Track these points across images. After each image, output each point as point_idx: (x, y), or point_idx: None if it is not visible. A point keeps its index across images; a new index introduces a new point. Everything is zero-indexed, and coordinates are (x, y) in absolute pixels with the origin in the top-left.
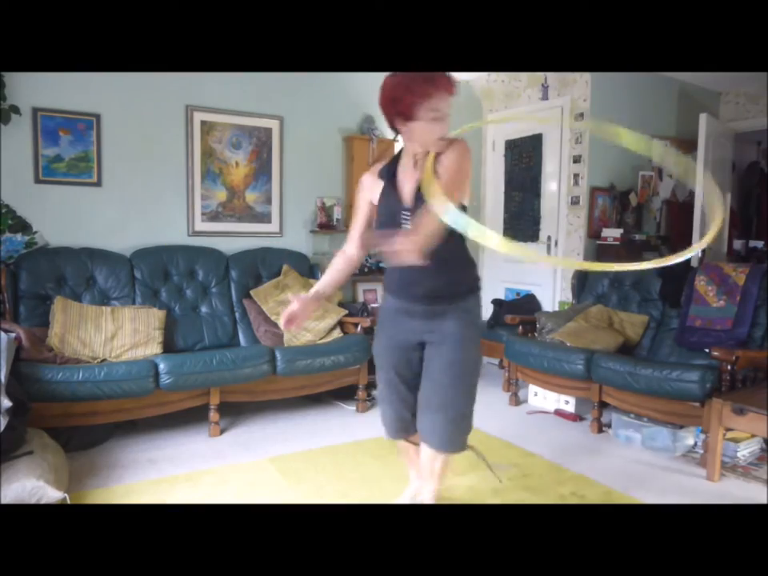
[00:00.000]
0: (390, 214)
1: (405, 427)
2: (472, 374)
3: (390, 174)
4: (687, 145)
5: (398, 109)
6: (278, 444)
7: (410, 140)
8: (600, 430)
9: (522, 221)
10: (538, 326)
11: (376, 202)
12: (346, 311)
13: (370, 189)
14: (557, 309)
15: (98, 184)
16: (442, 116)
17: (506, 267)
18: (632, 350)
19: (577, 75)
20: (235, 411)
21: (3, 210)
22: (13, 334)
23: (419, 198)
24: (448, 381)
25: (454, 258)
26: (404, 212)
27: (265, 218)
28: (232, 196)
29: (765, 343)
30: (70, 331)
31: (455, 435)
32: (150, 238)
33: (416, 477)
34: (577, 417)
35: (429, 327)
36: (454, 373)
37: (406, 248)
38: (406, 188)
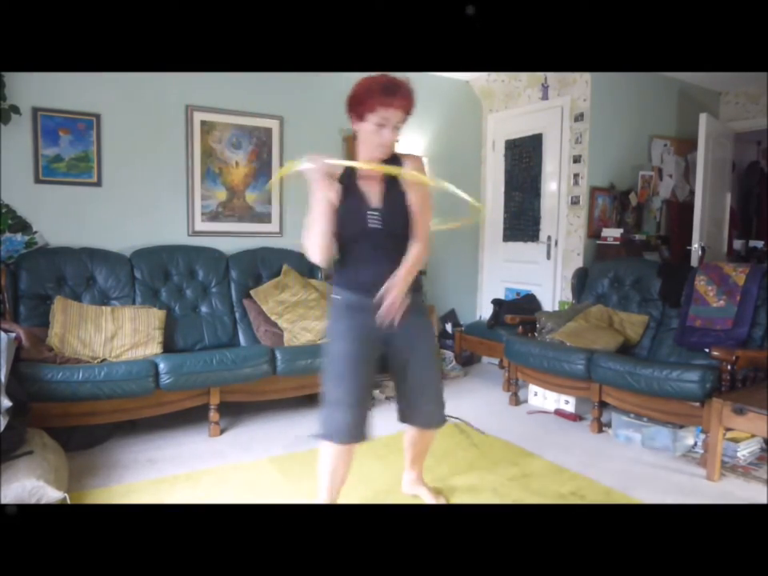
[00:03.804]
0: (356, 214)
1: (357, 431)
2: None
3: (349, 178)
4: (687, 145)
5: (353, 108)
6: (278, 444)
7: (361, 141)
8: (600, 430)
9: (521, 221)
10: (538, 325)
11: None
12: None
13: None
14: (557, 309)
15: (98, 184)
16: (387, 124)
17: (506, 267)
18: (632, 350)
19: (577, 75)
20: (235, 411)
21: (3, 210)
22: (13, 334)
23: (387, 200)
24: (434, 369)
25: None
26: (371, 212)
27: (265, 217)
28: (232, 196)
29: (765, 343)
30: (70, 331)
31: (443, 414)
32: (150, 238)
33: (327, 497)
34: (577, 417)
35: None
36: (434, 363)
37: (396, 303)
38: (372, 191)
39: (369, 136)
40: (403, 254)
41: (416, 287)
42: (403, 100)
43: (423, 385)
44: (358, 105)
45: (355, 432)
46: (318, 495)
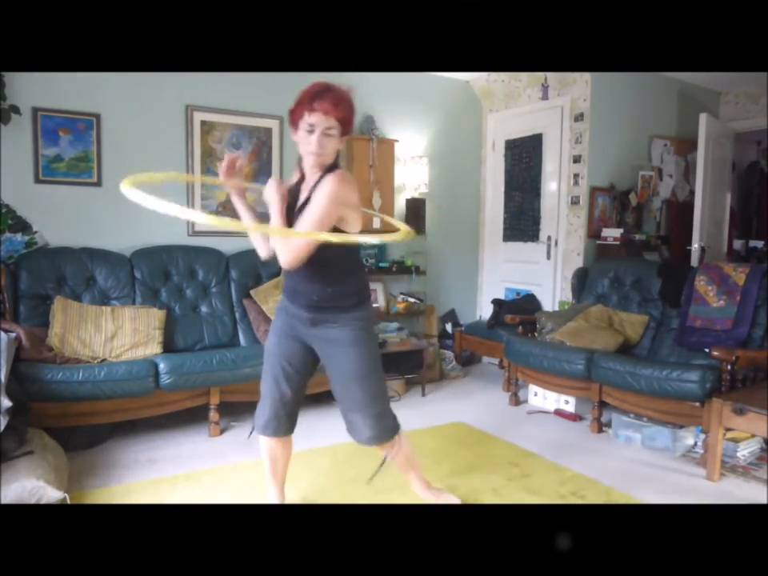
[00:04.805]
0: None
1: (277, 425)
2: (369, 376)
3: (297, 182)
4: (687, 145)
5: (290, 116)
6: None
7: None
8: (600, 430)
9: (521, 221)
10: (538, 326)
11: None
12: None
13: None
14: (557, 309)
15: (98, 184)
16: (314, 130)
17: (506, 267)
18: (632, 350)
19: (577, 75)
20: (235, 411)
21: (3, 210)
22: (13, 334)
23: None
24: (352, 384)
25: (333, 271)
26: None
27: (265, 218)
28: None
29: (765, 343)
30: (70, 331)
31: (375, 431)
32: (150, 238)
33: (273, 483)
34: (577, 417)
35: (314, 333)
36: (353, 379)
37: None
38: (301, 197)
39: (301, 145)
40: (325, 269)
41: (344, 305)
42: (325, 104)
43: (344, 396)
44: (291, 114)
45: (274, 425)
46: (267, 483)
